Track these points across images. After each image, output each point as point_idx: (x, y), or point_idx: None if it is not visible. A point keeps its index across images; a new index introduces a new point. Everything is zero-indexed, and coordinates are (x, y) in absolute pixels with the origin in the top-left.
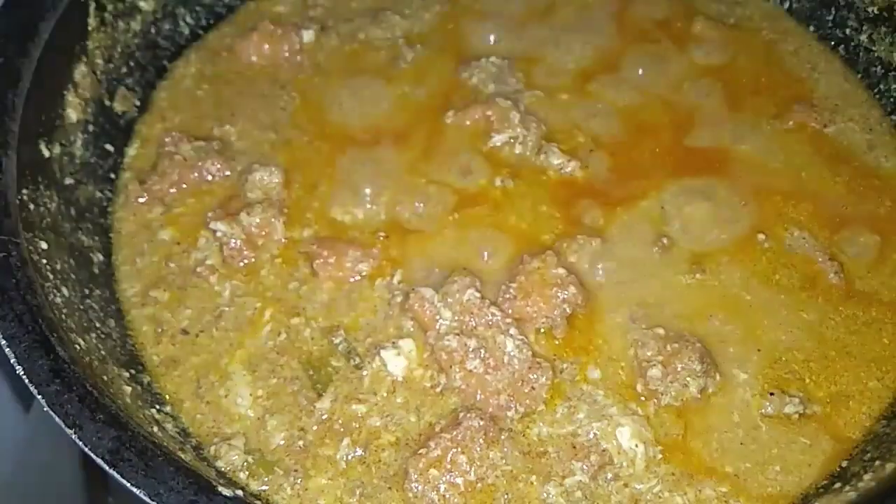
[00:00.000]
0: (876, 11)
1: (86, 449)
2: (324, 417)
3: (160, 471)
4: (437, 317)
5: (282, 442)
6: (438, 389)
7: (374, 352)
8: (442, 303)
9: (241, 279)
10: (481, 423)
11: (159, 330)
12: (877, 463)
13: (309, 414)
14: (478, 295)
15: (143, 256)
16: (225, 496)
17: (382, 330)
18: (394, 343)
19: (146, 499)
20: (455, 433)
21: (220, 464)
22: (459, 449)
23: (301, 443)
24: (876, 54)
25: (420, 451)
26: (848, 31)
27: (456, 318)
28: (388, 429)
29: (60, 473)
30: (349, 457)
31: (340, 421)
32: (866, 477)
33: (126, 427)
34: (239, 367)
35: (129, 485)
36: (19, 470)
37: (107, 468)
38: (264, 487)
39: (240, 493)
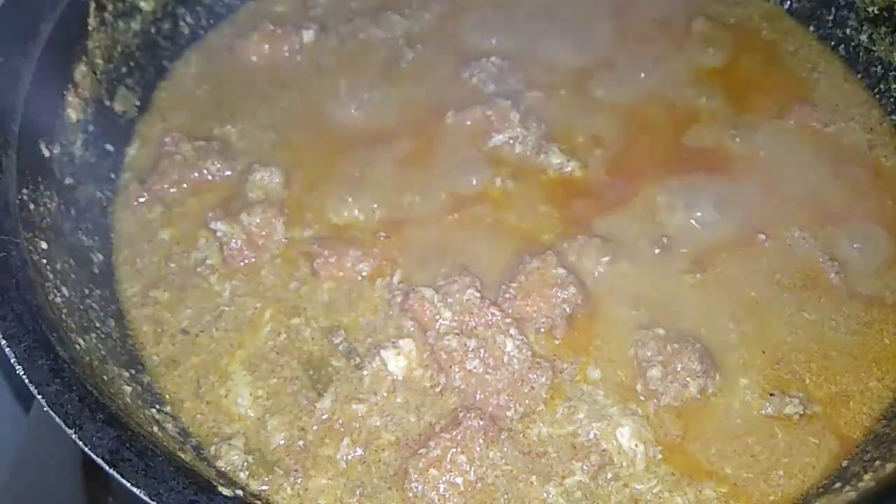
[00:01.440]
0: (876, 11)
1: (86, 449)
2: (324, 417)
3: (160, 471)
4: (437, 317)
5: (282, 442)
6: (438, 389)
7: (374, 352)
8: (442, 303)
9: (241, 279)
10: (481, 423)
11: (159, 330)
12: (877, 463)
13: (309, 414)
14: (477, 295)
15: (143, 256)
16: (225, 496)
17: (382, 330)
18: (394, 343)
19: (146, 499)
20: (455, 433)
21: (220, 464)
22: (459, 449)
23: (301, 443)
24: (876, 54)
25: (420, 451)
26: (848, 30)
27: (456, 317)
28: (388, 429)
29: (60, 473)
30: (349, 457)
31: (340, 421)
32: (866, 477)
33: (126, 427)
34: (239, 367)
35: (129, 485)
36: (19, 470)
37: (107, 468)
38: (264, 487)
39: (240, 493)
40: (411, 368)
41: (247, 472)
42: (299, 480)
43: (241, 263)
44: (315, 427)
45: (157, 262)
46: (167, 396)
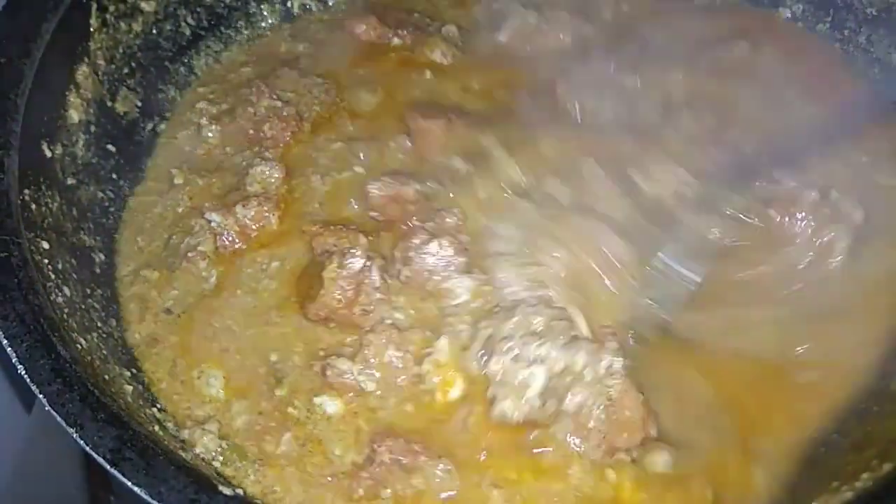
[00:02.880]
0: (875, 13)
1: (87, 448)
2: (281, 404)
3: (161, 470)
4: None
5: (244, 426)
6: None
7: None
8: None
9: (228, 267)
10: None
11: (144, 307)
12: (874, 462)
13: (268, 399)
14: None
15: (143, 235)
16: (225, 495)
17: None
18: None
19: (147, 497)
20: (372, 470)
21: (197, 449)
22: (382, 486)
23: (258, 428)
24: (874, 55)
25: (348, 493)
26: (846, 32)
27: None
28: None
29: (62, 473)
30: (293, 451)
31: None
32: (864, 476)
33: (127, 426)
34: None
35: (130, 484)
36: (21, 470)
37: (108, 467)
38: (233, 473)
39: (240, 492)
40: None
41: (221, 459)
42: (260, 467)
43: (231, 253)
44: (272, 413)
45: (157, 244)
46: (147, 377)
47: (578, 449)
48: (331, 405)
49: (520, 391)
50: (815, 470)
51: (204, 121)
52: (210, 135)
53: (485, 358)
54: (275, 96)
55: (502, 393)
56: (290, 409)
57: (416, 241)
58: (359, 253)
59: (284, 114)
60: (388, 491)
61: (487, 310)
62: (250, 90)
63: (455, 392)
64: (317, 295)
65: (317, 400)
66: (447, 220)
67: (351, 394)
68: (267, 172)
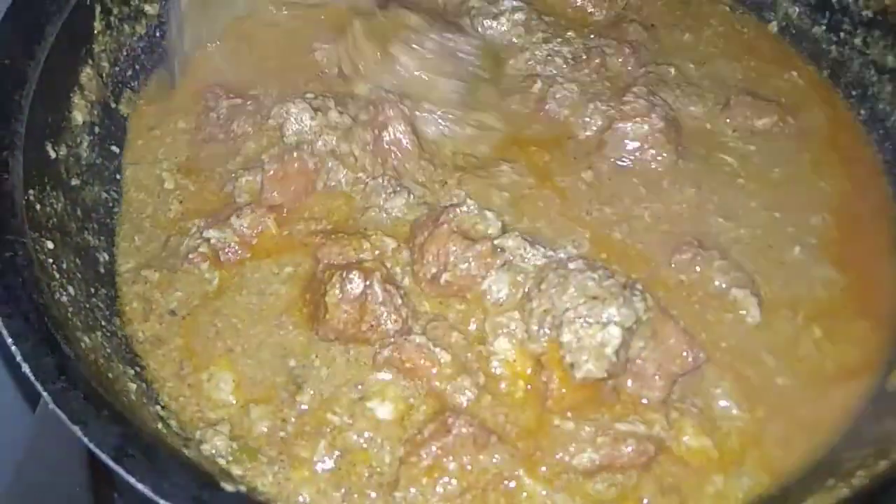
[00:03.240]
0: (870, 15)
1: (91, 445)
2: (303, 408)
3: (164, 467)
4: None
5: (267, 432)
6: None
7: None
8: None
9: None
10: (471, 429)
11: (148, 308)
12: (870, 459)
13: (291, 406)
14: None
15: (140, 234)
16: (228, 492)
17: None
18: None
19: (150, 494)
20: (444, 441)
21: (204, 447)
22: (450, 457)
23: (283, 434)
24: (870, 58)
25: (411, 460)
26: (842, 34)
27: None
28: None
29: (66, 470)
30: (331, 457)
31: (318, 420)
32: (860, 473)
33: (131, 424)
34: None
35: (133, 480)
36: (25, 467)
37: (111, 464)
38: (242, 472)
39: (242, 489)
40: None
41: (230, 458)
42: (283, 469)
43: (234, 260)
44: (301, 418)
45: (155, 244)
46: (151, 376)
47: (644, 390)
48: (382, 409)
49: (599, 351)
50: (810, 467)
51: (169, 140)
52: (182, 145)
53: (553, 333)
54: (232, 94)
55: (583, 357)
56: (328, 416)
57: (454, 246)
58: (357, 277)
59: (249, 108)
60: (454, 464)
61: (526, 291)
62: (209, 93)
63: (525, 378)
64: (323, 318)
65: (369, 404)
66: (477, 225)
67: (411, 389)
68: (252, 179)
